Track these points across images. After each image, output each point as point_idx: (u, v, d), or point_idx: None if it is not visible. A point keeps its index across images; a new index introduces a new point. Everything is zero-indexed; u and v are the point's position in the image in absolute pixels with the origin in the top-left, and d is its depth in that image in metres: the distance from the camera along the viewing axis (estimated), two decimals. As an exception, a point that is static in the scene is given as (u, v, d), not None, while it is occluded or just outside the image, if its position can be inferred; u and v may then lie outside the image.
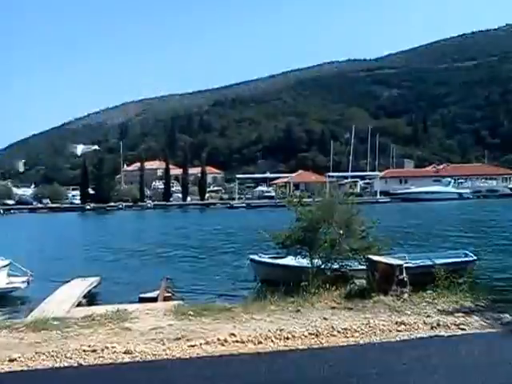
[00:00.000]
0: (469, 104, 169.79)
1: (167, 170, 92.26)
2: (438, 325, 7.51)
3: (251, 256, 16.54)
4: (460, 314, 8.00)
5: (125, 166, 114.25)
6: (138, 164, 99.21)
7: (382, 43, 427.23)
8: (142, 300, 12.57)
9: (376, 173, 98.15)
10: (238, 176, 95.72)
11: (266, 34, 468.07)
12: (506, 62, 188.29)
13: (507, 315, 7.94)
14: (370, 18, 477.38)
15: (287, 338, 7.01)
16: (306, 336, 7.10)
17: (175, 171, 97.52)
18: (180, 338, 7.02)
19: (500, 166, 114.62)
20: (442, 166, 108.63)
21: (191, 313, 8.46)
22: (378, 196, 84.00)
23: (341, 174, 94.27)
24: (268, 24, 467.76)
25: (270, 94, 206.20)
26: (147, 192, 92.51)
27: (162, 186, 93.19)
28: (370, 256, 10.28)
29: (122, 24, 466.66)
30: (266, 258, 15.84)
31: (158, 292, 13.25)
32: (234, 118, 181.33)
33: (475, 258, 15.61)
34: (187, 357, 6.35)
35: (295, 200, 13.15)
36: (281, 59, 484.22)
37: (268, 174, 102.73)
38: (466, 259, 15.38)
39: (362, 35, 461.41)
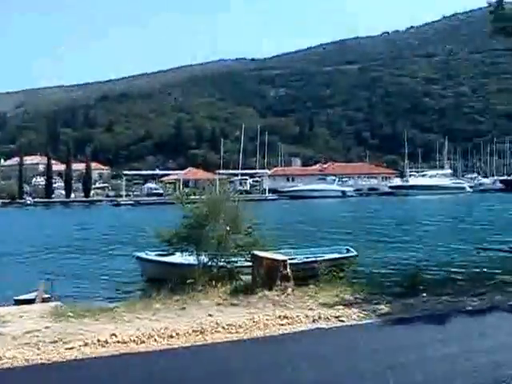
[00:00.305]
0: (352, 106, 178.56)
1: (49, 165, 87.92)
2: (319, 317, 7.74)
3: (137, 253, 16.14)
4: (340, 307, 8.31)
5: (1, 160, 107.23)
6: (17, 159, 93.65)
7: (270, 44, 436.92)
8: (18, 302, 11.78)
9: (265, 171, 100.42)
10: (125, 172, 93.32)
11: (156, 28, 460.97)
12: (386, 67, 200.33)
13: (383, 306, 8.37)
14: (258, 18, 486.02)
15: (171, 337, 6.89)
16: (190, 333, 7.03)
17: (58, 167, 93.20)
18: (57, 341, 6.66)
19: (380, 166, 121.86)
20: (327, 165, 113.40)
21: (71, 314, 8.08)
22: (267, 193, 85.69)
23: (231, 171, 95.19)
24: (158, 17, 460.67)
25: (159, 90, 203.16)
26: (27, 188, 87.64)
27: (44, 182, 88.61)
28: (256, 252, 10.41)
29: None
30: (152, 256, 15.52)
31: (35, 294, 12.49)
32: (121, 113, 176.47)
33: (356, 253, 16.31)
34: (64, 360, 6.02)
35: (183, 197, 13.01)
36: (170, 55, 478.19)
37: (157, 171, 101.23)
38: (348, 254, 16.03)
39: (251, 35, 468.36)
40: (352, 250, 16.49)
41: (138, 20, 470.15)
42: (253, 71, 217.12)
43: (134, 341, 6.71)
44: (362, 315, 7.89)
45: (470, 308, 8.33)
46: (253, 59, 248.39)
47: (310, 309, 8.29)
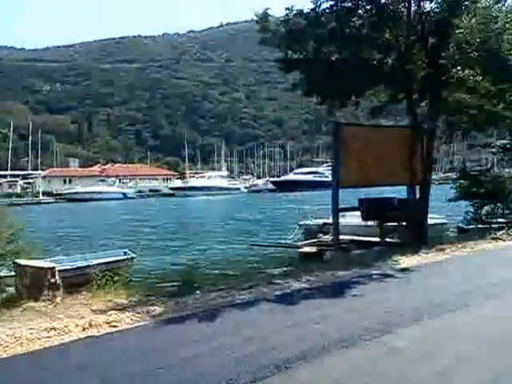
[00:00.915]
0: (132, 106, 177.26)
1: None
2: (91, 325, 7.41)
3: None
4: (113, 312, 8.07)
5: None
6: None
7: (43, 34, 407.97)
8: None
9: (38, 172, 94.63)
10: None
11: None
12: (166, 68, 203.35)
13: (157, 307, 8.37)
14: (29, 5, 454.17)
15: None
16: None
17: None
18: None
19: (161, 168, 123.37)
20: (107, 166, 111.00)
21: None
22: (41, 196, 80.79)
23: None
24: None
25: None
26: None
27: None
28: (18, 260, 9.61)
29: None
30: None
31: None
32: None
33: (133, 255, 16.17)
34: None
35: None
36: None
37: None
38: (124, 257, 15.81)
39: (18, 22, 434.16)
40: (129, 252, 16.31)
41: None
42: (23, 62, 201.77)
43: None
44: (135, 318, 7.77)
45: (239, 301, 8.74)
46: (23, 49, 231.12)
47: (82, 317, 7.89)
